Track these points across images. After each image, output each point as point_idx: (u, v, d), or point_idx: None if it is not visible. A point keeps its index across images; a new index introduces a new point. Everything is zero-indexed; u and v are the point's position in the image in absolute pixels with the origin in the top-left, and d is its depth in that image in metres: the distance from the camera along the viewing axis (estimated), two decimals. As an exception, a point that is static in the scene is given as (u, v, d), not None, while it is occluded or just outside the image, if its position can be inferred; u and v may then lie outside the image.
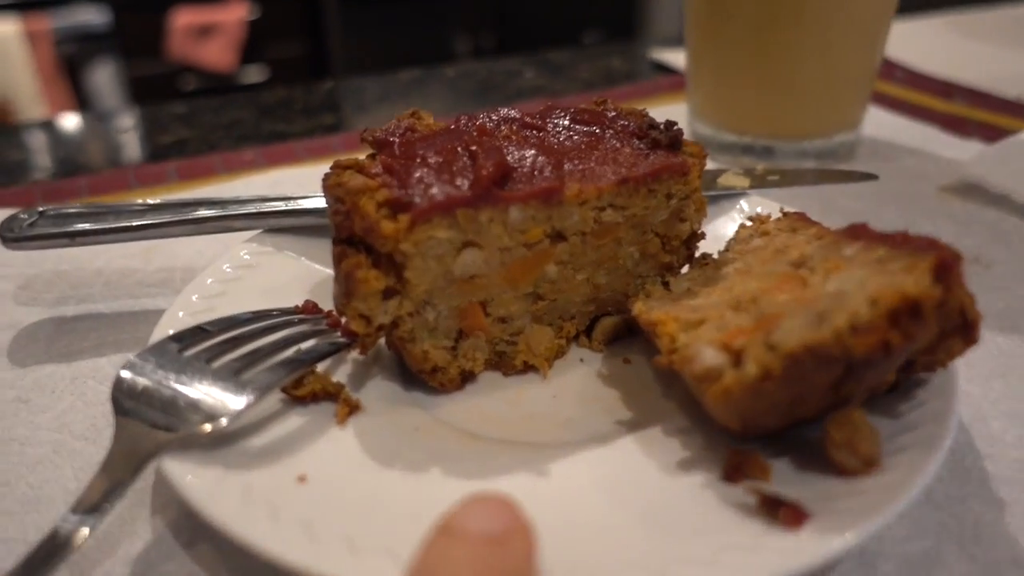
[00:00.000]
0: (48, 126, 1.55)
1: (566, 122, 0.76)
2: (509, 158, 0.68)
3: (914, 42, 1.69)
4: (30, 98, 3.53)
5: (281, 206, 0.86)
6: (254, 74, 4.18)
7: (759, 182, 0.93)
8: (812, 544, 0.48)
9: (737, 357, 0.54)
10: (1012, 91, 1.43)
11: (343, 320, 0.68)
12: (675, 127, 0.72)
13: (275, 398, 0.66)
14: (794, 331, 0.51)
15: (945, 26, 1.84)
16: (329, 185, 0.66)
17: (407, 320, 0.66)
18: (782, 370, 0.49)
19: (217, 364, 0.63)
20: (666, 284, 0.72)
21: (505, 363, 0.71)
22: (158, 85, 3.96)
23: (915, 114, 1.36)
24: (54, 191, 1.18)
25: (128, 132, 1.49)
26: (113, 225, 0.82)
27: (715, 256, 0.74)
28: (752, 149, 1.14)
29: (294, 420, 0.64)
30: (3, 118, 3.41)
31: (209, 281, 0.77)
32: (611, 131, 0.74)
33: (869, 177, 0.95)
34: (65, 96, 3.82)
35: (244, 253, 0.82)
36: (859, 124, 1.17)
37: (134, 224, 0.82)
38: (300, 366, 0.64)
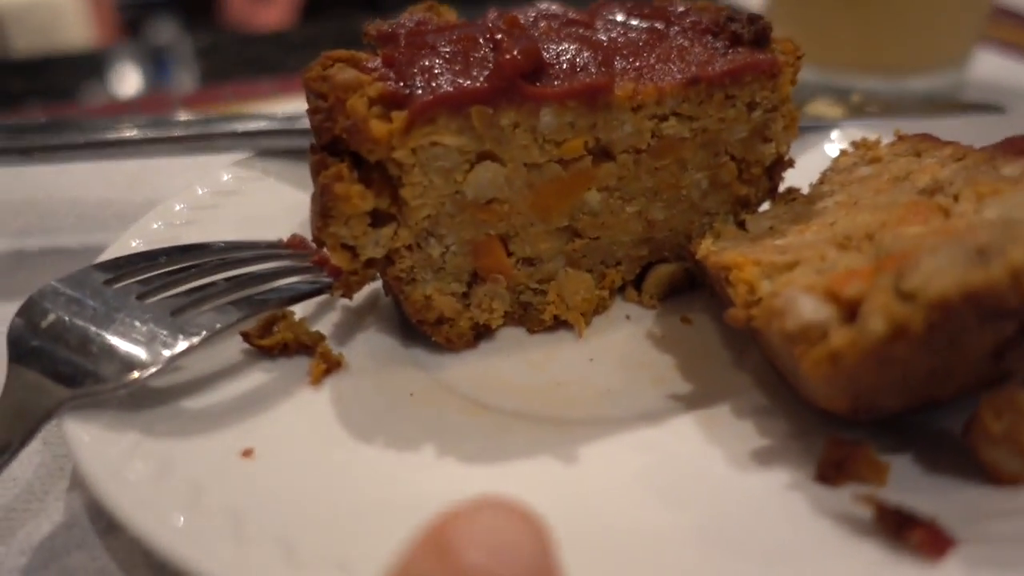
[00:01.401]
0: (68, 54, 1.48)
1: (620, 17, 0.60)
2: (544, 52, 0.52)
3: None
4: (93, 37, 3.51)
5: (275, 125, 0.72)
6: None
7: (855, 112, 0.76)
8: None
9: (850, 309, 0.38)
10: None
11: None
12: (761, 19, 0.55)
13: (237, 349, 0.52)
14: (941, 271, 0.35)
15: None
16: (309, 77, 0.51)
17: (405, 255, 0.51)
18: (925, 325, 0.33)
19: (151, 301, 0.49)
20: (741, 224, 0.56)
21: (531, 317, 0.56)
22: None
23: None
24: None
25: (141, 63, 1.40)
26: (75, 140, 0.69)
27: (805, 192, 0.58)
28: (840, 88, 0.95)
29: (255, 377, 0.50)
30: None
31: (178, 207, 0.64)
32: (677, 27, 0.58)
33: (993, 110, 0.77)
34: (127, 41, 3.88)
35: (226, 176, 0.68)
36: (966, 63, 0.99)
37: (99, 139, 0.69)
38: (260, 308, 0.51)
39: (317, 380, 0.50)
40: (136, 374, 0.45)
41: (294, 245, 0.60)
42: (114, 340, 0.45)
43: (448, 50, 0.52)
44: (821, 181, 0.57)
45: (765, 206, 0.59)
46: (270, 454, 0.43)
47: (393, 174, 0.48)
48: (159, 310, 0.49)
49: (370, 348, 0.54)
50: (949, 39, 0.95)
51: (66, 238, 0.76)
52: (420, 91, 0.47)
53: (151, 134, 0.69)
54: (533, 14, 0.61)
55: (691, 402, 0.49)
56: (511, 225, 0.53)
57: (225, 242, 0.58)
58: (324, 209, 0.48)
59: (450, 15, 0.62)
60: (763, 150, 0.56)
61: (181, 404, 0.46)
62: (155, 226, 0.61)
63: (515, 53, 0.48)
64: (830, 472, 0.40)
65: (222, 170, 0.69)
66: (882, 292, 0.36)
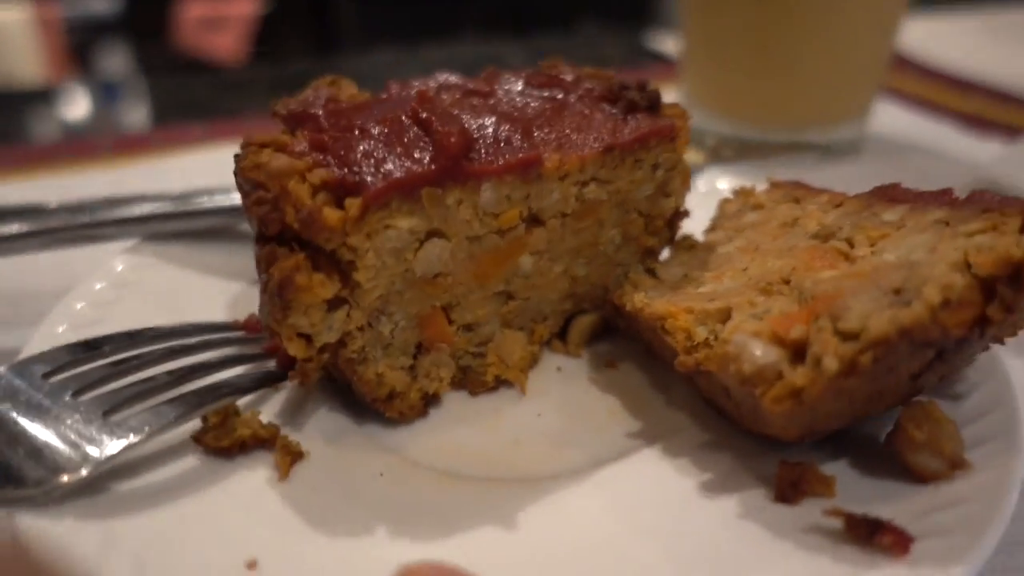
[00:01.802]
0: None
1: (518, 87, 0.64)
2: (466, 126, 0.55)
3: (934, 39, 1.56)
4: (37, 74, 3.41)
5: (166, 208, 0.69)
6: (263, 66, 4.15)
7: (713, 157, 0.85)
8: (933, 574, 0.38)
9: (795, 350, 0.44)
10: None
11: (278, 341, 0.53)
12: (649, 86, 0.62)
13: (192, 450, 0.50)
14: (871, 313, 0.41)
15: (967, 25, 1.72)
16: (244, 167, 0.51)
17: (357, 336, 0.52)
18: (871, 360, 0.40)
19: (86, 397, 0.48)
20: (651, 271, 0.62)
21: (473, 380, 0.59)
22: (167, 74, 3.90)
23: (930, 110, 1.23)
24: None
25: (74, 105, 1.38)
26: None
27: (699, 237, 0.65)
28: (749, 140, 1.00)
29: (218, 480, 0.49)
30: None
31: (79, 305, 0.60)
32: (574, 95, 0.62)
33: (847, 151, 0.89)
34: (73, 76, 3.70)
35: (120, 266, 0.65)
36: (867, 116, 1.04)
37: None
38: (199, 406, 0.50)
39: (286, 475, 0.49)
40: (64, 478, 0.43)
41: (249, 327, 0.59)
42: (43, 441, 0.44)
43: (378, 131, 0.53)
44: (713, 228, 0.64)
45: (666, 253, 0.65)
46: (274, 560, 0.42)
47: (345, 259, 0.49)
48: (93, 408, 0.47)
49: (324, 432, 0.54)
50: (850, 94, 1.01)
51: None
52: (370, 177, 0.48)
53: (29, 227, 0.65)
54: (434, 85, 0.64)
55: (639, 443, 0.53)
56: (454, 295, 0.55)
57: (173, 327, 0.57)
58: (284, 303, 0.48)
59: (351, 88, 0.64)
60: (664, 204, 0.62)
61: (156, 511, 0.44)
62: (59, 330, 0.57)
63: (455, 135, 0.51)
64: (788, 492, 0.45)
65: (114, 260, 0.65)
66: (825, 333, 0.42)
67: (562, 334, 0.63)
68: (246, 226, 0.71)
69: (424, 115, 0.54)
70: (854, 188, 0.64)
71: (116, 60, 3.89)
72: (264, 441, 0.51)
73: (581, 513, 0.48)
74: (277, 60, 4.21)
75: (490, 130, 0.55)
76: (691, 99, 1.06)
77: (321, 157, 0.51)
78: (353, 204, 0.47)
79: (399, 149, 0.51)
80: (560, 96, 0.62)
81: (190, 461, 0.50)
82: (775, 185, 0.65)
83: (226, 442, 0.50)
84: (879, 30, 0.95)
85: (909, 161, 1.04)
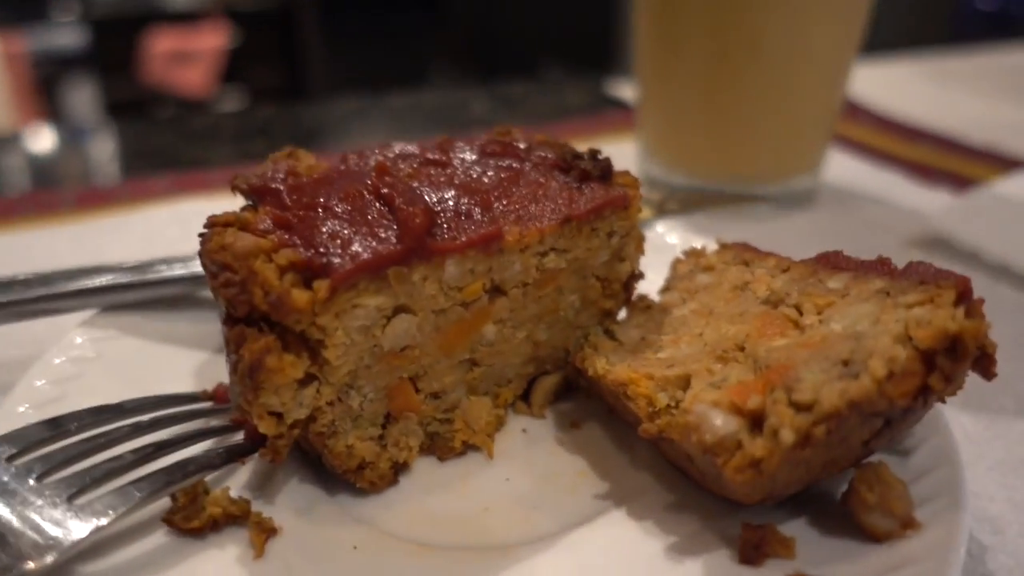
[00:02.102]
0: None
1: (473, 156, 0.66)
2: (429, 204, 0.57)
3: (880, 86, 1.59)
4: (4, 119, 3.44)
5: (124, 278, 0.69)
6: (232, 101, 4.16)
7: (659, 211, 0.88)
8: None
9: (753, 419, 0.46)
10: (979, 138, 1.32)
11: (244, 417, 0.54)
12: (601, 155, 0.64)
13: (161, 530, 0.50)
14: (821, 385, 0.44)
15: (913, 72, 1.75)
16: (210, 249, 0.52)
17: (327, 410, 0.53)
18: (826, 433, 0.42)
19: (51, 480, 0.48)
20: (609, 333, 0.64)
21: (441, 446, 0.60)
22: (134, 109, 3.91)
23: (880, 159, 1.26)
24: None
25: (41, 156, 1.37)
26: None
27: (654, 298, 0.67)
28: (705, 192, 1.02)
29: (188, 561, 0.49)
30: None
31: (39, 383, 0.59)
32: (528, 163, 0.65)
33: (801, 202, 0.94)
34: (40, 118, 3.78)
35: (79, 339, 0.65)
36: (819, 168, 1.07)
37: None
38: (168, 484, 0.50)
39: (261, 553, 0.49)
40: (30, 564, 0.43)
41: (218, 396, 0.60)
42: (8, 526, 0.44)
43: (341, 209, 0.54)
44: (667, 288, 0.67)
45: (623, 313, 0.68)
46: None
47: (314, 337, 0.50)
48: (58, 491, 0.48)
49: (295, 504, 0.54)
50: (804, 148, 1.03)
51: None
52: (337, 259, 0.49)
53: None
54: (391, 155, 0.66)
55: (607, 505, 0.55)
56: (421, 366, 0.57)
57: (138, 400, 0.57)
58: (255, 383, 0.48)
59: (309, 159, 0.65)
60: (620, 268, 0.64)
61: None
62: (20, 410, 0.57)
63: (419, 214, 0.52)
64: (751, 554, 0.47)
65: (72, 334, 0.65)
66: (779, 405, 0.44)
67: (525, 395, 0.65)
68: (207, 293, 0.71)
69: (385, 191, 0.56)
70: (808, 238, 0.67)
71: (83, 94, 3.95)
72: (235, 518, 0.51)
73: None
74: (246, 93, 4.21)
75: (451, 204, 0.57)
76: (648, 150, 1.09)
77: (287, 236, 0.52)
78: (322, 286, 0.48)
79: (364, 228, 0.52)
80: (515, 165, 0.64)
81: (159, 541, 0.50)
82: (724, 246, 0.67)
83: (196, 522, 0.50)
84: (830, 85, 0.98)
85: (860, 212, 1.06)
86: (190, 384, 0.63)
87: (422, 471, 0.59)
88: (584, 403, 0.65)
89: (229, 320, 0.50)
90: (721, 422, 0.46)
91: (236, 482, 0.55)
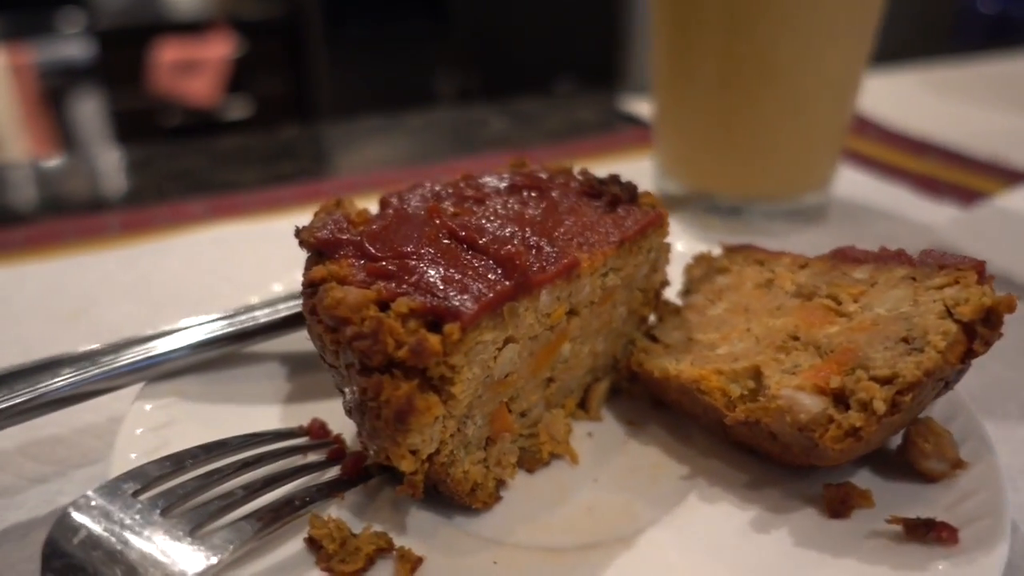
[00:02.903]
0: None
1: (503, 188, 0.71)
2: (488, 235, 0.62)
3: (886, 98, 1.62)
4: (11, 131, 3.43)
5: (178, 349, 0.68)
6: (239, 110, 4.10)
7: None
8: (985, 552, 0.50)
9: (835, 397, 0.55)
10: (986, 150, 1.36)
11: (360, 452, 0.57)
12: (622, 179, 0.71)
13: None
14: (894, 361, 0.53)
15: (918, 82, 1.78)
16: (328, 306, 0.55)
17: (448, 442, 0.57)
18: (911, 400, 0.52)
19: (174, 515, 0.52)
20: (652, 337, 0.71)
21: (529, 459, 0.65)
22: (141, 120, 3.90)
23: (887, 173, 1.30)
24: None
25: (78, 180, 1.40)
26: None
27: (676, 301, 0.75)
28: (719, 209, 1.09)
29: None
30: None
31: (133, 455, 0.59)
32: (556, 192, 0.71)
33: (812, 217, 1.06)
34: (48, 130, 3.77)
35: (148, 406, 0.65)
36: (830, 184, 1.12)
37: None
38: (278, 519, 0.55)
39: (410, 582, 0.53)
40: None
41: (313, 431, 0.63)
42: (137, 561, 0.47)
43: (429, 254, 0.59)
44: (687, 291, 0.75)
45: (652, 318, 0.75)
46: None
47: (444, 376, 0.54)
48: (181, 525, 0.51)
49: (418, 531, 0.58)
50: (816, 165, 1.08)
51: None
52: (458, 302, 0.54)
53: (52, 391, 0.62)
54: (426, 195, 0.70)
55: (692, 489, 0.62)
56: (515, 389, 0.62)
57: (245, 437, 0.61)
58: (404, 427, 0.52)
59: (355, 206, 0.68)
60: (655, 279, 0.72)
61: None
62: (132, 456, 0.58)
63: (520, 252, 0.57)
64: (839, 508, 0.56)
65: (140, 404, 0.65)
66: (863, 382, 0.53)
67: (581, 403, 0.71)
68: (249, 348, 0.73)
69: (462, 232, 0.61)
70: (822, 251, 0.75)
71: (90, 105, 3.89)
72: (383, 552, 0.55)
73: (679, 561, 0.56)
74: (252, 102, 4.07)
75: (516, 237, 0.62)
76: (664, 168, 1.16)
77: (391, 285, 0.56)
78: (454, 329, 0.52)
79: (468, 270, 0.57)
80: (546, 195, 0.70)
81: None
82: (729, 249, 0.76)
83: (354, 564, 0.53)
84: (841, 102, 1.03)
85: (870, 226, 1.12)
86: (274, 426, 0.65)
87: (518, 485, 0.64)
88: (630, 403, 0.73)
89: (365, 371, 0.53)
90: (811, 403, 0.55)
91: (369, 516, 0.59)
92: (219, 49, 4.05)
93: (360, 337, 0.53)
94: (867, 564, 0.52)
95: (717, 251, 0.78)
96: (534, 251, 0.61)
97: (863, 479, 0.59)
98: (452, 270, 0.57)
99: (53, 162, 1.55)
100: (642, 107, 1.66)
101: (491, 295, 0.54)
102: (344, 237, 0.62)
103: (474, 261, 0.58)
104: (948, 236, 1.02)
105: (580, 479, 0.65)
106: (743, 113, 1.02)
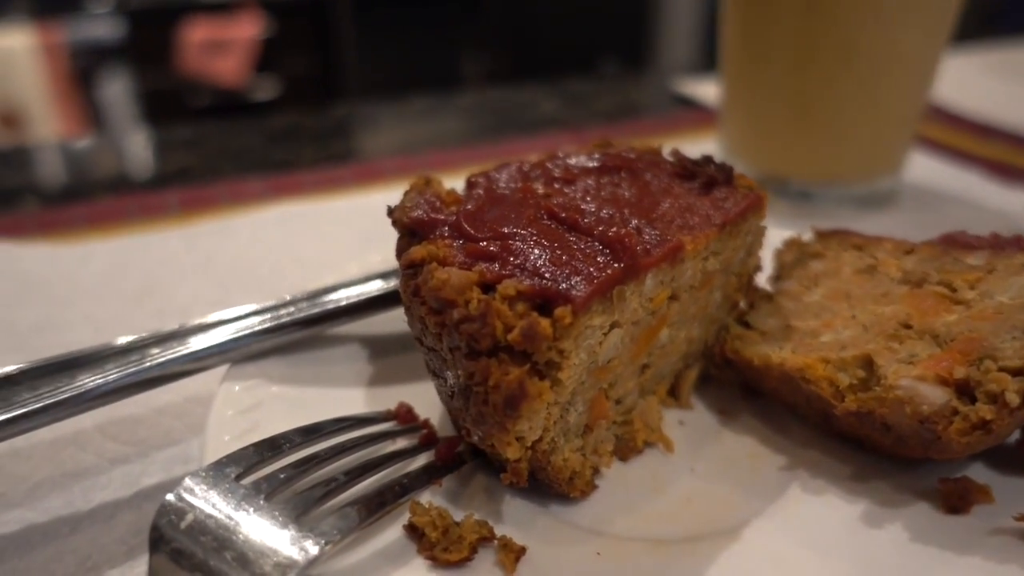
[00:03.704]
0: (47, 148, 1.47)
1: (592, 165, 0.69)
2: (588, 218, 0.60)
3: (947, 81, 1.47)
4: (41, 110, 3.48)
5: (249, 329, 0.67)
6: (266, 90, 4.12)
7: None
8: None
9: (958, 389, 0.53)
10: None
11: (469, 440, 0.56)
12: (723, 163, 0.69)
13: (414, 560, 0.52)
14: (1020, 350, 0.51)
15: (979, 65, 1.74)
16: (433, 287, 0.53)
17: (551, 429, 0.55)
18: (1045, 390, 0.49)
19: (278, 500, 0.51)
20: (745, 324, 0.69)
21: (624, 447, 0.63)
22: (170, 100, 3.93)
23: (955, 158, 1.27)
24: (48, 221, 1.10)
25: (131, 157, 1.43)
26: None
27: (766, 287, 0.73)
28: (787, 192, 1.07)
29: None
30: (12, 129, 3.45)
31: (227, 437, 0.58)
32: (649, 174, 0.69)
33: (883, 202, 1.05)
34: (77, 109, 3.82)
35: (237, 387, 0.64)
36: (902, 168, 1.10)
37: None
38: (381, 506, 0.54)
39: (513, 572, 0.51)
40: None
41: (400, 415, 0.63)
42: (246, 547, 0.46)
43: (531, 235, 0.57)
44: (779, 277, 0.73)
45: (742, 304, 0.73)
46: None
47: (552, 361, 0.52)
48: (286, 512, 0.50)
49: (518, 520, 0.57)
50: (889, 148, 1.06)
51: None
52: (568, 285, 0.52)
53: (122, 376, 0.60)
54: (514, 174, 0.68)
55: (793, 481, 0.60)
56: (615, 375, 0.60)
57: (335, 421, 0.60)
58: (515, 412, 0.50)
59: (442, 186, 0.66)
60: (750, 263, 0.70)
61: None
62: (226, 439, 0.57)
63: (629, 235, 0.55)
64: (958, 504, 0.54)
65: (229, 385, 0.64)
66: (992, 372, 0.51)
67: (670, 390, 0.69)
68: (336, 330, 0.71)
69: (564, 214, 0.59)
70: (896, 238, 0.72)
71: (119, 85, 3.98)
72: (486, 541, 0.53)
73: (789, 554, 0.54)
74: (280, 82, 4.12)
75: (616, 219, 0.60)
76: (730, 150, 1.13)
77: (494, 267, 0.54)
78: (565, 313, 0.51)
79: (576, 254, 0.55)
80: (637, 176, 0.68)
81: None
82: (821, 234, 0.74)
83: (458, 553, 0.52)
84: (919, 85, 1.01)
85: (943, 212, 1.09)
86: (358, 411, 0.64)
87: (613, 474, 0.62)
88: (719, 390, 0.71)
89: (472, 354, 0.52)
90: (934, 394, 0.53)
91: (463, 504, 0.57)
92: (248, 29, 4.06)
93: (467, 320, 0.51)
94: (994, 563, 0.50)
95: (808, 235, 0.75)
96: (642, 234, 0.59)
97: (978, 473, 0.57)
98: (558, 251, 0.55)
99: (98, 139, 1.55)
100: (697, 89, 1.62)
101: (602, 278, 0.52)
102: (440, 217, 0.60)
103: (579, 243, 0.56)
104: None
105: (676, 468, 0.63)
106: (820, 95, 0.99)
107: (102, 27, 4.01)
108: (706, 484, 0.61)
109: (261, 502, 0.50)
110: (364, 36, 4.34)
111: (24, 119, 3.49)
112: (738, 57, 1.06)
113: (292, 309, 0.69)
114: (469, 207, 0.61)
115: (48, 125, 3.69)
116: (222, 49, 3.97)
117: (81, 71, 3.94)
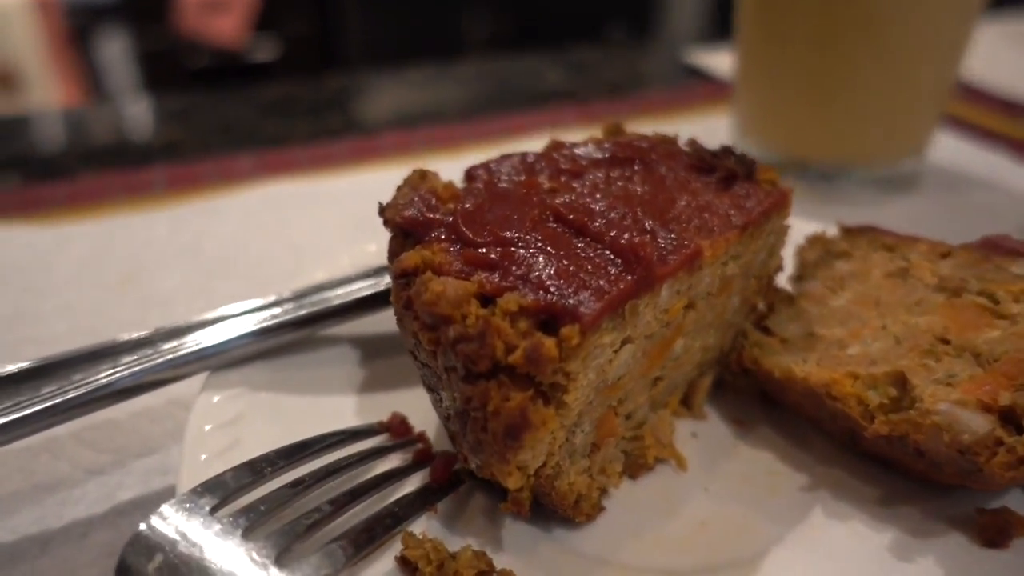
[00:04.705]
0: (34, 118, 1.39)
1: (601, 156, 0.64)
2: (597, 219, 0.54)
3: (972, 53, 1.42)
4: (37, 71, 3.39)
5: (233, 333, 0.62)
6: (266, 51, 4.00)
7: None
8: None
9: (1001, 416, 0.48)
10: None
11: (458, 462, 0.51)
12: (744, 155, 0.63)
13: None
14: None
15: (1007, 35, 1.65)
16: (427, 301, 0.48)
17: (555, 453, 0.51)
18: (1102, 424, 0.45)
19: (258, 536, 0.47)
20: (765, 329, 0.64)
21: (634, 464, 0.59)
22: (168, 61, 3.81)
23: (981, 137, 1.20)
24: (29, 199, 1.05)
25: (119, 130, 1.35)
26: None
27: (788, 288, 0.68)
28: (806, 174, 1.00)
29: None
30: (8, 89, 3.35)
31: (203, 457, 0.54)
32: (664, 167, 0.63)
33: (906, 184, 0.99)
34: (74, 71, 3.70)
35: (216, 397, 0.59)
36: (926, 150, 1.04)
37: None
38: (370, 541, 0.49)
39: (519, 610, 0.48)
40: None
41: (393, 427, 0.58)
42: None
43: (535, 240, 0.52)
44: (800, 277, 0.68)
45: (760, 306, 0.68)
46: None
47: (556, 383, 0.48)
48: (266, 551, 0.46)
49: (520, 548, 0.52)
50: (913, 129, 1.00)
51: None
52: (576, 301, 0.47)
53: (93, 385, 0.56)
54: (517, 166, 0.63)
55: (816, 504, 0.56)
56: (625, 391, 0.55)
57: (322, 437, 0.55)
58: (517, 442, 0.46)
59: (438, 180, 0.61)
60: (771, 264, 0.65)
61: None
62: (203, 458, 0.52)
63: (646, 244, 0.50)
64: (996, 538, 0.50)
65: (208, 396, 0.59)
66: (1040, 401, 0.46)
67: (682, 399, 0.65)
68: (325, 332, 0.67)
69: (571, 216, 0.54)
70: (917, 223, 0.67)
71: (116, 45, 3.87)
72: (483, 575, 0.49)
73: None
74: (278, 42, 4.02)
75: (627, 220, 0.55)
76: (744, 128, 1.07)
77: (493, 277, 0.49)
78: (573, 332, 0.46)
79: (586, 264, 0.50)
80: (650, 169, 0.62)
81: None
82: (847, 230, 0.69)
83: (456, 595, 0.48)
84: (946, 63, 0.95)
85: (968, 195, 1.03)
86: (348, 422, 0.59)
87: (621, 493, 0.58)
88: (734, 398, 0.66)
89: (469, 376, 0.47)
90: (976, 422, 0.48)
91: (460, 531, 0.53)
92: (246, -12, 3.96)
93: (464, 339, 0.47)
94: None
95: (832, 231, 0.70)
96: (657, 239, 0.54)
97: (1019, 502, 0.53)
98: (565, 261, 0.50)
99: (85, 109, 1.49)
100: (710, 60, 1.55)
101: (614, 292, 0.48)
102: (435, 217, 0.55)
103: (588, 251, 0.51)
104: None
105: (689, 488, 0.58)
106: (841, 73, 0.93)
107: (99, -15, 3.92)
108: (721, 506, 0.57)
109: (239, 539, 0.46)
110: (365, -5, 4.24)
111: (21, 80, 3.42)
112: (754, 31, 1.00)
113: (278, 311, 0.64)
114: (468, 205, 0.56)
115: (45, 88, 3.62)
116: (220, 8, 3.88)
117: (78, 30, 3.82)
